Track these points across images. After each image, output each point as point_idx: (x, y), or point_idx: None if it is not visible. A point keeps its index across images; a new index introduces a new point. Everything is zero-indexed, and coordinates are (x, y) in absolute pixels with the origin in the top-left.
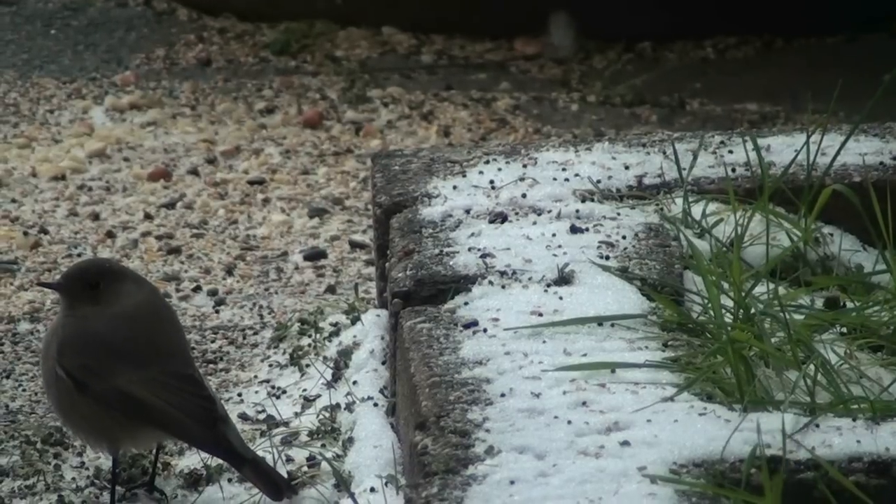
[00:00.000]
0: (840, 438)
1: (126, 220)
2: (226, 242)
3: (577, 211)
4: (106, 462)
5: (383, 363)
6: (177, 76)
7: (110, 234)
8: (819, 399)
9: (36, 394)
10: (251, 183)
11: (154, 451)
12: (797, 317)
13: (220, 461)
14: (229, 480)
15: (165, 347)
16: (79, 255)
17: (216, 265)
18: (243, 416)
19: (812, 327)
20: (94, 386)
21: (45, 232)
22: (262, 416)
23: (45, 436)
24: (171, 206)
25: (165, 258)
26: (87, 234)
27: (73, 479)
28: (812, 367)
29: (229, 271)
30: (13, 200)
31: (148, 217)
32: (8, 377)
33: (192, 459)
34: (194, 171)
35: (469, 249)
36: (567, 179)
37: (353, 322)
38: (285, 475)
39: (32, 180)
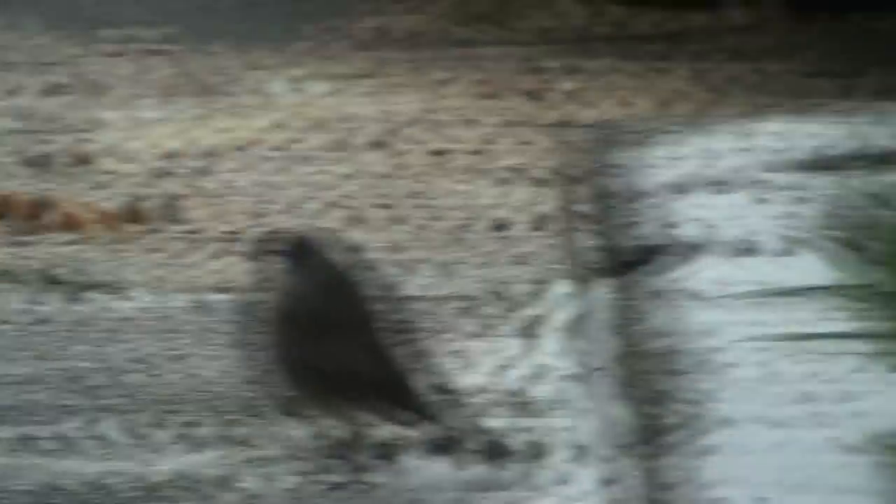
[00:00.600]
0: None
1: (350, 191)
2: (419, 212)
3: (781, 182)
4: (313, 432)
5: (609, 334)
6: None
7: (334, 205)
8: None
9: (238, 364)
10: (438, 153)
11: (361, 420)
12: None
13: (421, 432)
14: (464, 451)
15: (371, 317)
16: (278, 227)
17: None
18: (437, 387)
19: None
20: (300, 356)
21: (268, 202)
22: (454, 386)
23: (246, 406)
24: (359, 176)
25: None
26: (309, 203)
27: (275, 449)
28: None
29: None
30: (235, 170)
31: (339, 187)
32: (202, 347)
33: (394, 429)
34: (381, 143)
35: (679, 219)
36: (775, 150)
37: (574, 292)
38: (516, 447)
39: (255, 150)
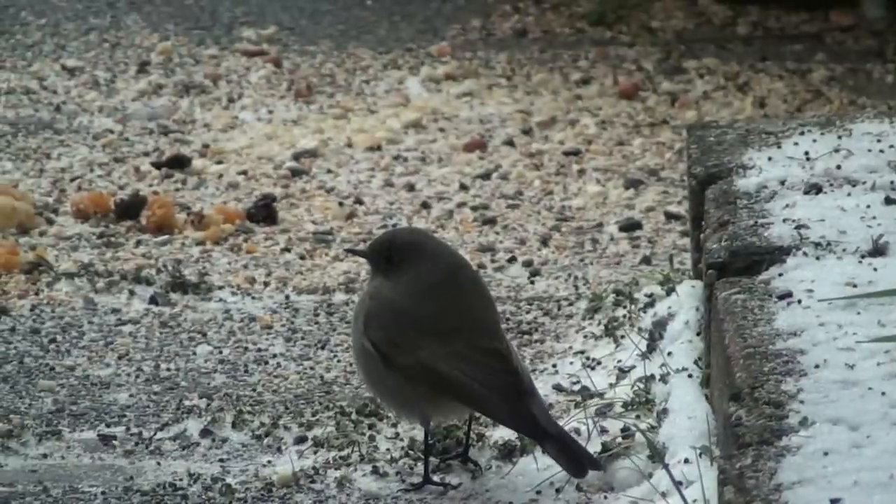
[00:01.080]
0: None
1: (441, 191)
2: (541, 213)
3: (892, 182)
4: (420, 433)
5: (698, 334)
6: (492, 47)
7: (425, 205)
8: None
9: (350, 364)
10: (566, 154)
11: (467, 421)
12: None
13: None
14: (543, 451)
15: (469, 321)
16: (393, 226)
17: (531, 236)
18: (558, 388)
19: None
20: (398, 359)
21: (361, 202)
22: (576, 387)
23: (360, 406)
24: (486, 176)
25: (480, 229)
26: (402, 204)
27: (388, 449)
28: None
29: (544, 242)
30: (329, 171)
31: (463, 188)
32: (323, 348)
33: (507, 430)
34: (510, 142)
35: (783, 221)
36: (882, 151)
37: (668, 293)
38: (600, 447)
39: (348, 151)
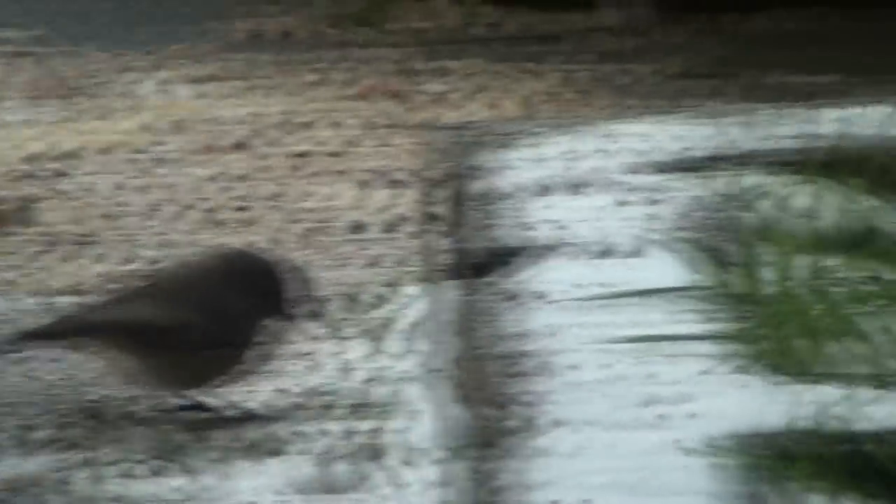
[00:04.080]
0: (883, 411)
1: (201, 193)
2: (296, 214)
3: (651, 183)
4: (142, 435)
5: (452, 334)
6: (230, 49)
7: (188, 207)
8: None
9: (70, 367)
10: (301, 155)
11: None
12: (866, 288)
13: (257, 435)
14: (268, 454)
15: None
16: (152, 227)
17: (286, 237)
18: (283, 390)
19: (873, 298)
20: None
21: (121, 205)
22: (326, 389)
23: (81, 408)
24: (243, 178)
25: (238, 230)
26: (162, 206)
27: (108, 452)
28: (865, 338)
29: (299, 243)
30: (89, 173)
31: (198, 190)
32: None
33: (230, 433)
34: (244, 145)
35: (538, 221)
36: (642, 151)
37: (414, 293)
38: (332, 448)
39: (109, 153)
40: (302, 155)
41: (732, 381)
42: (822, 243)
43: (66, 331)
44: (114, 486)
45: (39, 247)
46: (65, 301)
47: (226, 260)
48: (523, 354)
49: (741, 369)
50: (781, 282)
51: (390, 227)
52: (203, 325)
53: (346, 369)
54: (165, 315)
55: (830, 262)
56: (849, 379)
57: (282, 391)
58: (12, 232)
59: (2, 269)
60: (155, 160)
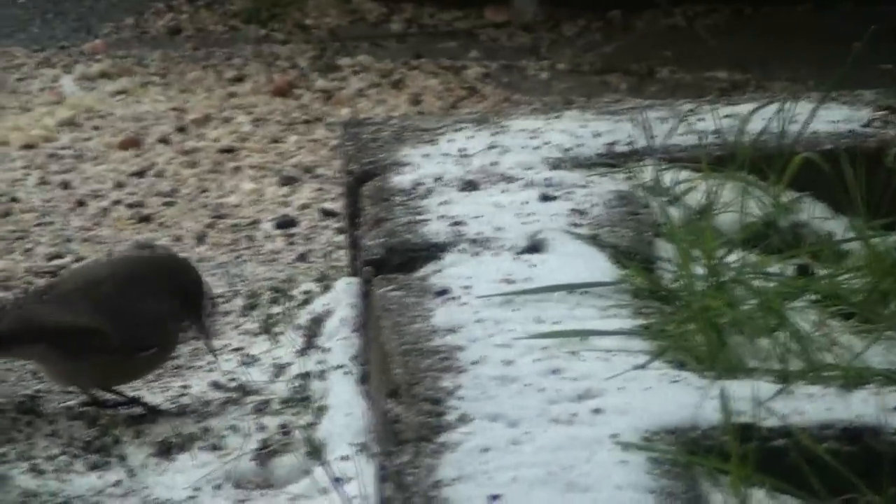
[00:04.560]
0: (812, 406)
1: (97, 189)
2: (196, 211)
3: (548, 179)
4: (79, 430)
5: (355, 331)
6: (146, 45)
7: (81, 203)
8: (791, 367)
9: (6, 361)
10: (222, 151)
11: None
12: (769, 284)
13: (194, 430)
14: (201, 448)
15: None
16: (49, 224)
17: (187, 233)
18: (215, 384)
19: (784, 295)
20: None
21: (16, 200)
22: (233, 384)
23: (17, 404)
24: (141, 174)
25: (136, 226)
26: (57, 202)
27: (46, 447)
28: (784, 334)
29: (200, 239)
30: None
31: (119, 185)
32: None
33: (165, 427)
34: (165, 140)
35: (440, 217)
36: (537, 147)
37: (325, 290)
38: (258, 443)
39: (2, 149)
40: (224, 151)
41: (665, 377)
42: (747, 239)
43: None
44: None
45: None
46: None
47: (144, 261)
48: (425, 350)
49: (673, 365)
50: (710, 277)
51: (315, 223)
52: (123, 330)
53: (280, 365)
54: (87, 319)
55: (756, 257)
56: (782, 374)
57: (214, 385)
58: None
59: None
60: (81, 156)
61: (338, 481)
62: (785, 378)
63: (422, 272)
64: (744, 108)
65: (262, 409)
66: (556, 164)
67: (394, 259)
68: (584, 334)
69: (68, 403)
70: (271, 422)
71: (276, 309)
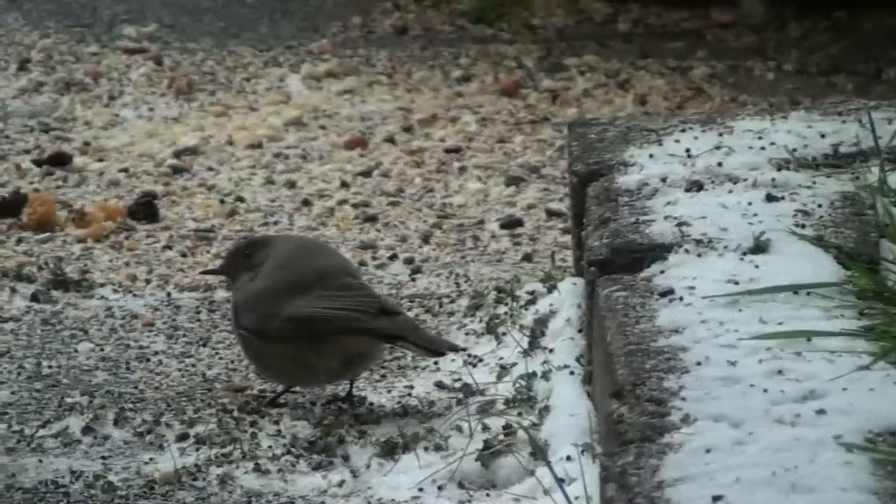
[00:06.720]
0: None
1: (322, 189)
2: (422, 210)
3: (773, 179)
4: (303, 430)
5: (579, 331)
6: (373, 44)
7: (306, 203)
8: None
9: (232, 361)
10: (448, 151)
11: (349, 387)
12: None
13: (418, 430)
14: (426, 449)
15: (318, 271)
16: (275, 224)
17: (412, 233)
18: (440, 385)
19: None
20: (269, 329)
21: (242, 200)
22: (458, 385)
23: (242, 404)
24: (367, 174)
25: (362, 226)
26: (283, 202)
27: (270, 447)
28: None
29: (426, 239)
30: (210, 169)
31: (344, 185)
32: (205, 345)
33: (389, 428)
34: (391, 140)
35: (665, 218)
36: (763, 148)
37: (550, 290)
38: (482, 444)
39: (229, 149)
40: (450, 151)
41: (889, 378)
42: None
43: None
44: (269, 480)
45: (193, 242)
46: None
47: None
48: (656, 351)
49: (892, 366)
50: None
51: (540, 224)
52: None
53: (504, 366)
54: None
55: None
56: None
57: (438, 385)
58: (168, 226)
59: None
60: (302, 155)
61: (561, 482)
62: None
63: (646, 272)
64: None
65: (486, 409)
66: (781, 165)
67: (619, 259)
68: (809, 335)
69: (297, 401)
70: (495, 422)
71: (501, 309)
